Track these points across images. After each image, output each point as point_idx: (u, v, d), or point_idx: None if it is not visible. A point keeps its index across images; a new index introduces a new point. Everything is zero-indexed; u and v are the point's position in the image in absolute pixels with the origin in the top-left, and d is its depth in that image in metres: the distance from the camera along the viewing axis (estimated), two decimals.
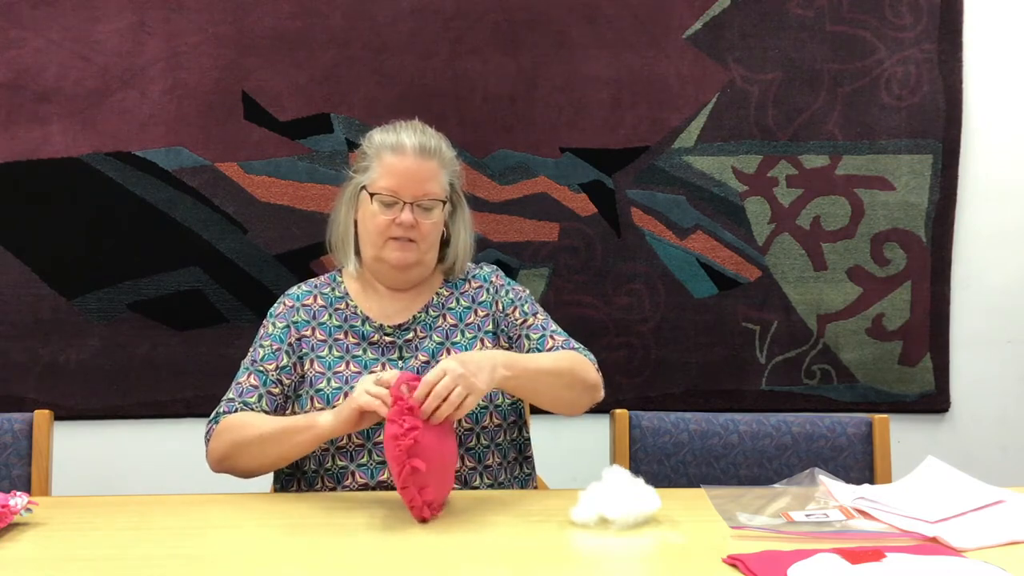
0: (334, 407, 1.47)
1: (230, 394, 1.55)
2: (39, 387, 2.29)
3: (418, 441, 1.24)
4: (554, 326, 1.65)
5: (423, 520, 1.27)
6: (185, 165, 2.30)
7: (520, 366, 1.45)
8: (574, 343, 1.62)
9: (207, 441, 1.53)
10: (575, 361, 1.55)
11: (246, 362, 1.60)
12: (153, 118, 2.29)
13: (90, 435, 2.31)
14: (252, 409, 1.53)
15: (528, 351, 1.60)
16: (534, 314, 1.65)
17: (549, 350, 1.59)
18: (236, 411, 1.52)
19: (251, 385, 1.55)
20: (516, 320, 1.64)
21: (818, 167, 2.39)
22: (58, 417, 1.77)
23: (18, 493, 1.28)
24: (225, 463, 1.50)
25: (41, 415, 1.69)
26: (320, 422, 1.40)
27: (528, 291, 1.71)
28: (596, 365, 1.59)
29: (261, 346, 1.60)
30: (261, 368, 1.57)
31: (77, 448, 2.26)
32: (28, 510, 1.27)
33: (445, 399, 1.30)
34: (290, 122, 2.32)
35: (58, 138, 2.28)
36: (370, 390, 1.33)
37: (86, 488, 2.16)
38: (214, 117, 2.30)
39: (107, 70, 2.28)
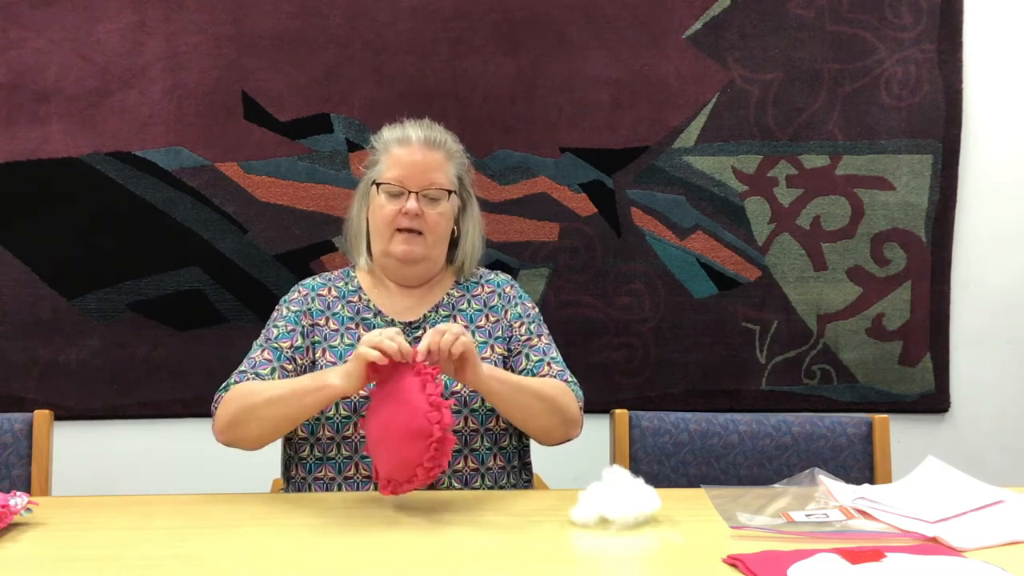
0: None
1: (242, 367, 1.56)
2: (39, 387, 2.29)
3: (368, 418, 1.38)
4: (555, 352, 1.65)
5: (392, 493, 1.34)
6: (185, 165, 2.30)
7: (505, 375, 1.49)
8: (568, 375, 1.62)
9: (214, 410, 1.52)
10: (560, 392, 1.55)
11: (259, 341, 1.61)
12: (153, 118, 2.29)
13: (90, 435, 2.31)
14: (264, 380, 1.53)
15: (523, 369, 1.61)
16: (539, 335, 1.65)
17: (543, 376, 1.59)
18: (247, 381, 1.52)
19: (264, 359, 1.56)
20: (520, 335, 1.64)
21: (818, 167, 2.39)
22: (58, 417, 1.77)
23: (18, 493, 1.28)
24: (232, 430, 1.49)
25: (41, 415, 1.70)
26: (331, 382, 1.39)
27: (537, 309, 1.72)
28: (582, 403, 1.59)
29: (275, 326, 1.61)
30: (275, 345, 1.58)
31: (77, 448, 2.26)
32: (28, 510, 1.27)
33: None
34: (290, 122, 2.32)
35: (58, 138, 2.27)
36: (371, 341, 1.33)
37: (86, 488, 2.16)
38: (214, 117, 2.30)
39: (107, 70, 2.28)
